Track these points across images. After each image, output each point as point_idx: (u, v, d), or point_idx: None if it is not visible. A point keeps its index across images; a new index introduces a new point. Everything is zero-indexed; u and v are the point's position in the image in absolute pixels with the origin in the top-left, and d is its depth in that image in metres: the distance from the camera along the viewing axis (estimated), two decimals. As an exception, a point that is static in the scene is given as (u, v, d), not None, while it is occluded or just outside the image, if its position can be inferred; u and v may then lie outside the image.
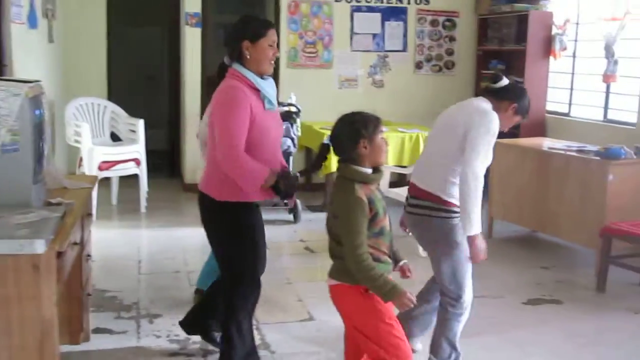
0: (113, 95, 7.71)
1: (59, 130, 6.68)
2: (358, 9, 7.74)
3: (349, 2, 7.71)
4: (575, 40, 7.03)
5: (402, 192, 5.73)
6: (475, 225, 3.13)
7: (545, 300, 4.60)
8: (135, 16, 9.71)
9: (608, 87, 6.51)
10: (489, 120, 3.20)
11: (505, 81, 3.40)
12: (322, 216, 6.44)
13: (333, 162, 2.91)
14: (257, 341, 3.81)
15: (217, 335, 3.59)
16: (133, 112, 7.05)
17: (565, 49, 7.08)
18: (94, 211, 6.08)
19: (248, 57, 3.09)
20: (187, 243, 5.69)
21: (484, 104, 3.33)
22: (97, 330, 3.85)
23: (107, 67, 7.67)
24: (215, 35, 11.18)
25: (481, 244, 3.17)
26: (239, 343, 3.27)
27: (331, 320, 3.75)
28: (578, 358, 3.77)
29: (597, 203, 5.08)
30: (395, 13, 7.86)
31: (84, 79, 7.43)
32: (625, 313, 4.44)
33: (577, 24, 7.00)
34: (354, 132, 2.68)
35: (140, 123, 6.65)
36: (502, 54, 7.79)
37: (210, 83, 10.62)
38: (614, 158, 5.09)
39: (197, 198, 3.27)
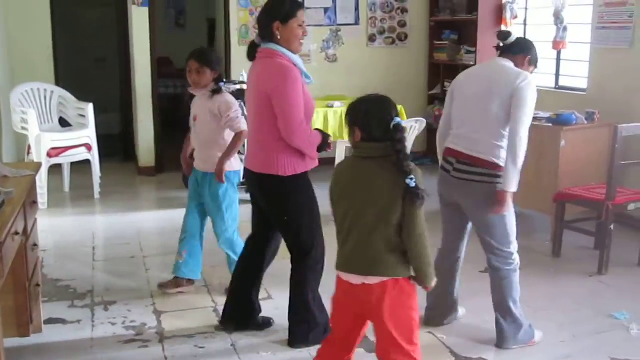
0: (61, 79, 7.52)
1: (6, 118, 6.48)
2: (309, -17, 7.63)
3: (299, -24, 7.60)
4: (526, 8, 7.04)
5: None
6: (516, 183, 3.29)
7: (502, 268, 4.64)
8: (81, -4, 9.46)
9: (559, 54, 6.55)
10: (529, 81, 3.27)
11: (514, 36, 3.46)
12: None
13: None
14: (216, 322, 3.78)
15: (261, 318, 3.74)
16: (83, 96, 6.86)
17: (516, 17, 7.09)
18: (44, 199, 5.96)
19: (279, 37, 3.21)
20: (143, 227, 5.59)
21: (510, 64, 3.39)
22: (50, 321, 3.76)
23: (53, 51, 7.43)
24: (166, 14, 11.02)
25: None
26: (318, 311, 3.46)
27: (285, 297, 3.74)
28: (534, 322, 3.81)
29: (550, 169, 5.13)
30: (346, -14, 7.78)
31: (30, 64, 7.19)
32: (580, 276, 4.50)
33: (527, -9, 7.01)
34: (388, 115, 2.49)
35: (90, 107, 6.48)
36: (455, 24, 7.78)
37: (161, 63, 10.47)
38: (566, 124, 5.14)
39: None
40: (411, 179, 2.39)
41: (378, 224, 2.46)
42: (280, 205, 3.37)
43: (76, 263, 4.75)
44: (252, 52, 3.32)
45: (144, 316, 3.87)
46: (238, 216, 4.17)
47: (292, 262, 3.52)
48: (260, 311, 3.76)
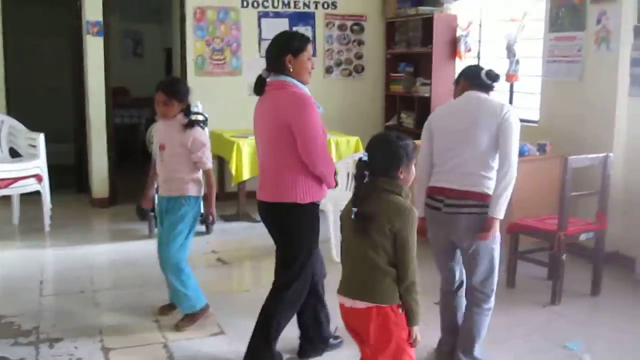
0: (13, 109, 7.35)
1: (-48, 148, 6.31)
2: (265, 15, 7.66)
3: (255, 8, 7.63)
4: (479, 41, 7.18)
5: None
6: (504, 210, 3.36)
7: (457, 299, 4.63)
8: (34, 26, 9.33)
9: (511, 87, 6.67)
10: (513, 111, 3.39)
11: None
12: (236, 226, 6.41)
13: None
14: (166, 359, 3.67)
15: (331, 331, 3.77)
16: (36, 126, 6.72)
17: (470, 50, 7.22)
18: (-9, 232, 5.78)
19: (291, 69, 3.32)
20: (94, 261, 5.45)
21: (486, 96, 3.49)
22: (-9, 360, 3.62)
23: (4, 80, 7.28)
24: (123, 44, 10.94)
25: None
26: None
27: (242, 334, 3.67)
28: (489, 355, 3.80)
29: (503, 200, 5.17)
30: (303, 18, 7.83)
31: (-21, 93, 7.04)
32: (534, 306, 4.52)
33: (480, 25, 7.15)
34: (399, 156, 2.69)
35: (41, 137, 6.35)
36: (410, 56, 7.88)
37: (117, 93, 10.38)
38: (519, 155, 5.19)
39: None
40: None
41: (369, 250, 2.58)
42: (290, 233, 3.40)
43: (22, 298, 4.60)
44: (261, 85, 3.38)
45: (92, 354, 3.74)
46: (189, 246, 4.11)
47: (273, 285, 3.52)
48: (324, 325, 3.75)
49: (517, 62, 6.47)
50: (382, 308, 2.56)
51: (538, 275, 5.00)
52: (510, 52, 6.44)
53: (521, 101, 6.64)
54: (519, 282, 4.89)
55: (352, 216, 2.62)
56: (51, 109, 9.48)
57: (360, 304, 2.60)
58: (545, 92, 6.10)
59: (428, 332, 3.87)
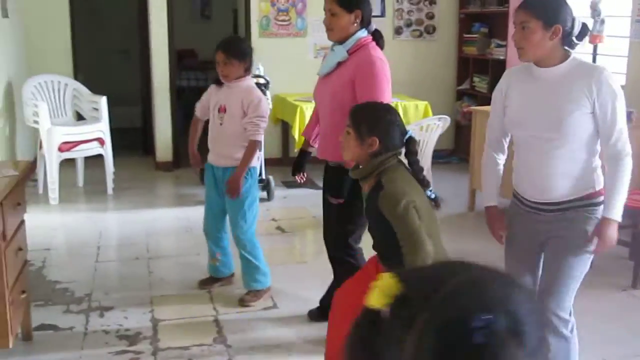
0: (81, 71, 7.35)
1: (20, 112, 6.34)
2: (332, -27, 7.33)
3: (322, -34, 7.31)
4: None
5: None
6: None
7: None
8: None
9: (595, 49, 6.16)
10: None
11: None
12: (297, 193, 6.22)
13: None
14: (214, 334, 3.55)
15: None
16: (102, 89, 6.69)
17: (550, 9, 6.71)
18: (55, 194, 5.82)
19: None
20: (153, 226, 5.39)
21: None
22: (42, 327, 3.58)
23: (72, 42, 7.26)
24: (192, 5, 10.82)
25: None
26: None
27: (296, 308, 3.52)
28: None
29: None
30: (371, -24, 7.45)
31: (47, 56, 7.03)
32: (612, 290, 4.19)
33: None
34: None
35: (103, 100, 6.31)
36: (485, 16, 7.42)
37: (185, 55, 10.29)
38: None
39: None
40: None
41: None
42: (342, 196, 3.20)
43: (78, 264, 4.57)
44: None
45: (140, 324, 3.65)
46: (258, 215, 3.94)
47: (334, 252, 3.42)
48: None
49: (602, 21, 5.95)
50: None
51: (620, 254, 4.61)
52: (595, 10, 5.92)
53: (606, 65, 6.13)
54: (599, 262, 4.50)
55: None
56: (120, 71, 9.50)
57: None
58: (632, 55, 5.59)
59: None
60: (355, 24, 3.16)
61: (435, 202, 2.49)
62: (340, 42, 3.19)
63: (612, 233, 2.53)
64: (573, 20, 2.50)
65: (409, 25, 7.68)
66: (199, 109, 3.99)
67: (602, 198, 2.57)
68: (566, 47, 2.54)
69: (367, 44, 3.17)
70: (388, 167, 2.47)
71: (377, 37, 3.23)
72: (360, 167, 2.55)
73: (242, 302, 3.88)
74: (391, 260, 2.44)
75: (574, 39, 2.53)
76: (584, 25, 2.54)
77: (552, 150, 2.51)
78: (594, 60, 6.19)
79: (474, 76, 7.46)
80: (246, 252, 3.87)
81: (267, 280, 3.93)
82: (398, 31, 7.64)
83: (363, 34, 3.18)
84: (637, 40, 5.50)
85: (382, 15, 7.52)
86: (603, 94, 2.43)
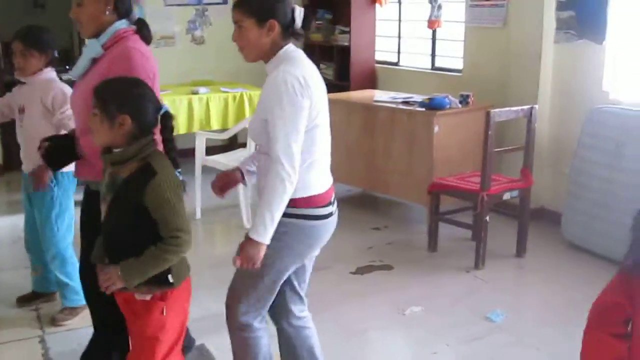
0: None
1: None
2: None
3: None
4: (400, -15, 6.73)
5: (223, 160, 5.21)
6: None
7: (376, 267, 4.30)
8: None
9: (434, 34, 6.28)
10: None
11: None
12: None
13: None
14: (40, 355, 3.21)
15: None
16: None
17: (391, -5, 6.77)
18: None
19: None
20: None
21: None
22: None
23: None
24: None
25: None
26: None
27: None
28: (408, 329, 3.49)
29: (424, 157, 4.82)
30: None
31: None
32: (456, 272, 4.22)
33: (401, -32, 6.69)
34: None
35: None
36: (329, 3, 7.36)
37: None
38: (439, 108, 4.84)
39: None
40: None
41: None
42: None
43: None
44: None
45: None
46: (72, 227, 3.57)
47: None
48: None
49: (440, 7, 6.08)
50: None
51: (462, 235, 4.70)
52: (432, -4, 6.04)
53: (444, 49, 6.27)
54: (442, 244, 4.58)
55: None
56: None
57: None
58: (468, 40, 5.73)
59: (346, 309, 3.52)
60: (107, 12, 2.62)
61: (184, 185, 2.24)
62: (96, 35, 2.66)
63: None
64: (292, 10, 2.35)
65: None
66: None
67: None
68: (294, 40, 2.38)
69: (127, 36, 2.64)
70: (154, 150, 2.23)
71: (141, 28, 2.71)
72: (116, 150, 2.22)
73: (55, 321, 3.53)
74: (127, 256, 2.16)
75: (298, 29, 2.38)
76: (307, 13, 2.39)
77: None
78: (434, 45, 6.31)
79: (320, 63, 7.40)
80: (54, 268, 3.54)
81: (81, 298, 3.51)
82: (242, 19, 7.41)
83: (122, 25, 2.65)
84: (471, 25, 5.64)
85: (225, 2, 7.25)
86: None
